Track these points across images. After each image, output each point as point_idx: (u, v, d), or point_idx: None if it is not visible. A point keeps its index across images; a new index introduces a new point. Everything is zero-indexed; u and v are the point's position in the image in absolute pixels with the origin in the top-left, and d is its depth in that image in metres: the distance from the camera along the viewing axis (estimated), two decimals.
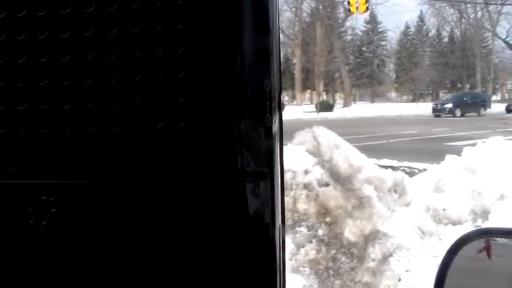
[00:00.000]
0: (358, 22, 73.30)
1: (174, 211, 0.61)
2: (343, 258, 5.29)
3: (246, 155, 0.60)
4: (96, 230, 0.62)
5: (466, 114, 41.97)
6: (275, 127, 0.61)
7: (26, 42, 0.61)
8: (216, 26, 0.60)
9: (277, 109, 0.62)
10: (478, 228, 1.92)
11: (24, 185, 0.61)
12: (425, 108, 46.74)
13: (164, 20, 0.59)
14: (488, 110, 45.25)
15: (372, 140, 18.80)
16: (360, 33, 75.16)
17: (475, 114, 42.63)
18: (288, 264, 5.13)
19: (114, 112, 0.60)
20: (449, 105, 43.19)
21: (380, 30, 74.66)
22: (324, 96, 66.82)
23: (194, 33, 0.60)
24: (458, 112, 42.29)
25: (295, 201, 5.79)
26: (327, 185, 5.94)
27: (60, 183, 0.61)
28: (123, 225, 0.61)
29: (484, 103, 45.64)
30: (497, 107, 49.37)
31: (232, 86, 0.59)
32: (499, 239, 1.58)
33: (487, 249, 1.51)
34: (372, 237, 5.43)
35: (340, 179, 6.02)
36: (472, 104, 44.05)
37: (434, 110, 43.50)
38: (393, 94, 76.61)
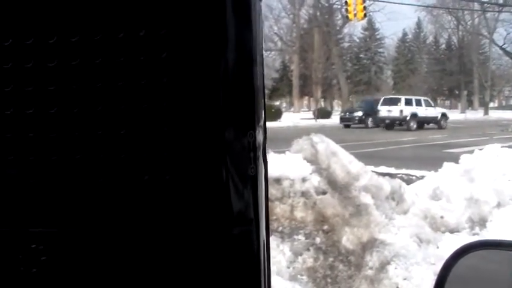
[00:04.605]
0: (355, 29, 73.07)
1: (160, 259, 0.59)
2: (341, 266, 5.28)
3: (232, 204, 0.58)
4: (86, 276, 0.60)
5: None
6: (260, 176, 0.60)
7: None
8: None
9: (261, 158, 0.60)
10: (477, 240, 1.92)
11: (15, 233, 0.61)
12: None
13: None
14: None
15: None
16: (358, 40, 75.20)
17: None
18: (286, 272, 5.11)
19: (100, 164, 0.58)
20: (359, 114, 36.51)
21: (378, 37, 74.72)
22: (322, 103, 66.90)
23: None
24: (370, 122, 35.42)
25: (293, 209, 5.78)
26: (324, 193, 5.94)
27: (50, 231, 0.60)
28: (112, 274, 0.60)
29: None
30: None
31: (215, 137, 0.57)
32: (497, 250, 1.58)
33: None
34: (369, 245, 5.42)
35: (337, 186, 6.02)
36: None
37: (342, 119, 37.35)
38: None
